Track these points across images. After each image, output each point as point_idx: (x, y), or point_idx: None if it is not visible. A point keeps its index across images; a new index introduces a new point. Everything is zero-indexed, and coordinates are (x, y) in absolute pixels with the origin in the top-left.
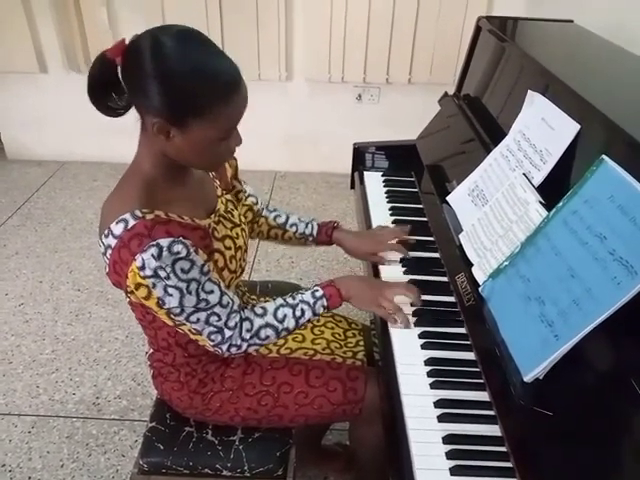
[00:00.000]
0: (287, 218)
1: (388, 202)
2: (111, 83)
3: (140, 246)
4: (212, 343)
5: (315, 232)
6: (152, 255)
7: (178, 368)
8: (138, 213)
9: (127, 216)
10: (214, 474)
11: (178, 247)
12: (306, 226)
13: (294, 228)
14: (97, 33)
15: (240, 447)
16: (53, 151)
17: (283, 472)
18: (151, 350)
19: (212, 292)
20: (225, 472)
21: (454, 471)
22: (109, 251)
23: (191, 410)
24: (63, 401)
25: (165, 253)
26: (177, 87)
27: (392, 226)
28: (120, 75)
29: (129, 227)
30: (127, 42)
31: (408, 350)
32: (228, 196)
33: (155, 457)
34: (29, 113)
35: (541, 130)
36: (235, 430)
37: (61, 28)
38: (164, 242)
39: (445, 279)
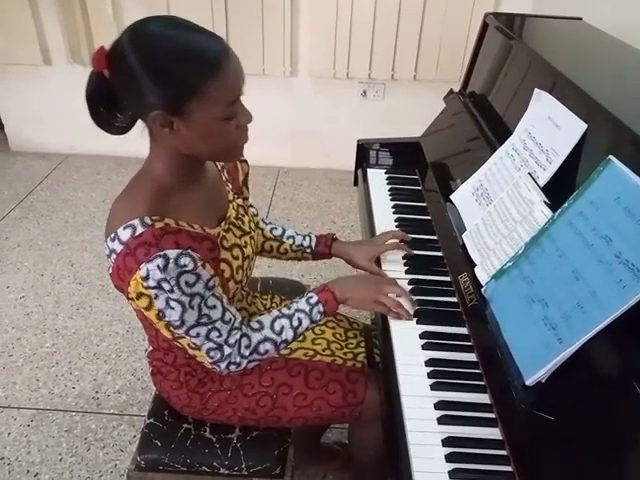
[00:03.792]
0: (284, 231)
1: (391, 200)
2: (110, 99)
3: (146, 255)
4: (210, 360)
5: (313, 244)
6: (158, 266)
7: (178, 368)
8: (147, 220)
9: (135, 222)
10: (211, 472)
11: (185, 260)
12: (304, 238)
13: (291, 240)
14: (101, 26)
15: (238, 445)
16: (56, 144)
17: (281, 471)
18: (151, 348)
19: (214, 307)
20: (222, 470)
21: (453, 474)
22: (113, 255)
23: (189, 409)
24: (63, 395)
25: (171, 265)
26: (163, 73)
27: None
28: (113, 85)
29: (136, 234)
30: (107, 48)
31: (409, 350)
32: (239, 201)
33: (152, 454)
34: (33, 105)
35: (547, 129)
36: (233, 428)
37: (65, 20)
38: (171, 253)
39: (447, 278)
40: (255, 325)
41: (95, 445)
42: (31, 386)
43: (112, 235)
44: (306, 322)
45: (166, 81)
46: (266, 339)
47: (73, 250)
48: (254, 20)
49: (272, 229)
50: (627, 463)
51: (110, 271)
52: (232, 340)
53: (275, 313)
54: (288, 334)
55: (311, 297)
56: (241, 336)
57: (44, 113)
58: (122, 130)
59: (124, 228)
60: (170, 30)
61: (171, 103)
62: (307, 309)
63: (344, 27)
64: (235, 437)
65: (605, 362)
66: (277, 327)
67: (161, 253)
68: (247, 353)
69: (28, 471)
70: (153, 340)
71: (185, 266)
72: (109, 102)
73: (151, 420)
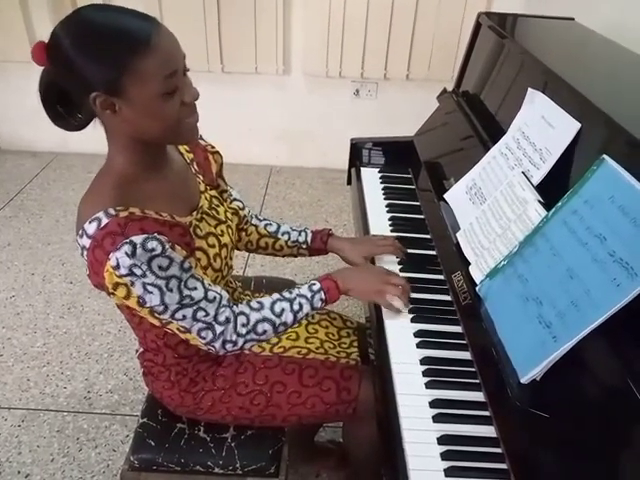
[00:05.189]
0: (278, 227)
1: (385, 199)
2: (65, 96)
3: (113, 244)
4: (204, 341)
5: (309, 239)
6: (125, 253)
7: (169, 367)
8: (111, 211)
9: (100, 214)
10: (206, 471)
11: (152, 244)
12: (299, 234)
13: (286, 236)
14: None
15: (232, 444)
16: (47, 142)
17: (275, 470)
18: (141, 349)
19: (195, 289)
20: (217, 469)
21: (449, 472)
22: (85, 252)
23: (182, 408)
24: (54, 395)
25: (139, 250)
26: (94, 53)
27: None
28: (56, 77)
29: (102, 225)
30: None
31: (403, 349)
32: (213, 192)
33: (146, 454)
34: (23, 103)
35: (541, 128)
36: (227, 427)
37: (56, 16)
38: (137, 239)
39: (441, 277)
40: (255, 305)
41: (87, 445)
42: (22, 386)
43: (80, 232)
44: (307, 308)
45: (98, 61)
46: (265, 319)
47: (64, 249)
48: (247, 18)
49: (267, 225)
50: (621, 460)
51: (87, 272)
52: (221, 318)
53: (276, 296)
54: (288, 317)
55: (314, 284)
56: (234, 314)
57: (35, 111)
58: (79, 127)
59: (90, 222)
60: (100, 13)
61: (107, 83)
62: (309, 295)
63: (337, 26)
64: (229, 436)
65: (600, 360)
66: (277, 309)
67: (127, 240)
68: (244, 331)
69: (19, 472)
70: (142, 341)
71: (154, 250)
72: (65, 100)
73: (145, 420)
